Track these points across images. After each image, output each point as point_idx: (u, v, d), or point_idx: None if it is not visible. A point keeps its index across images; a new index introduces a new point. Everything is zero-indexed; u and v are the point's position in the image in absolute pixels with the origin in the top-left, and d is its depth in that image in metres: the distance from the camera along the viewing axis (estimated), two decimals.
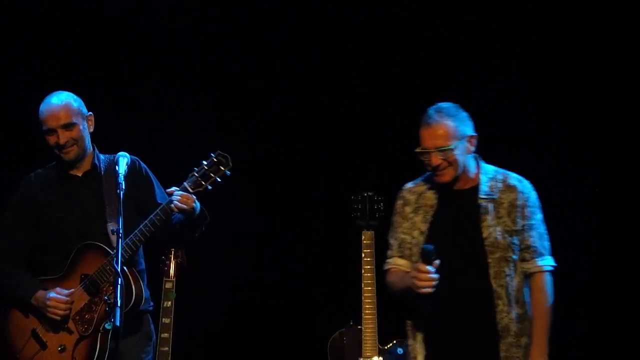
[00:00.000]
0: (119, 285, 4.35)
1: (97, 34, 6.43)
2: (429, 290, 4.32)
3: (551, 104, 6.16)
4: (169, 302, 5.92)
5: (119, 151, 4.91)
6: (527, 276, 4.55)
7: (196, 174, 4.86)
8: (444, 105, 4.54)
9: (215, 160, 4.85)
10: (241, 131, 6.51)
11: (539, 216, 4.59)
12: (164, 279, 5.81)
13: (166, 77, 6.50)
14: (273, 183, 6.53)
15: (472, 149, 4.55)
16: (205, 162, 4.87)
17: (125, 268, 4.80)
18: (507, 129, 6.11)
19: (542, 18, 6.14)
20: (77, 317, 4.84)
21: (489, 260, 4.49)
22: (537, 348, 4.50)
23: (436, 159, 4.47)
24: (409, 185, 4.71)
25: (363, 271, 5.21)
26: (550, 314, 4.54)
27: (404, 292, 4.51)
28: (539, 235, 4.57)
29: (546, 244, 4.59)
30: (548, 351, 4.52)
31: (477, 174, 4.59)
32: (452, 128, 4.47)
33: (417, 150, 4.52)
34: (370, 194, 5.33)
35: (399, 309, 4.71)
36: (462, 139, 4.49)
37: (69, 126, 4.91)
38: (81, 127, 4.94)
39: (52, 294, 4.85)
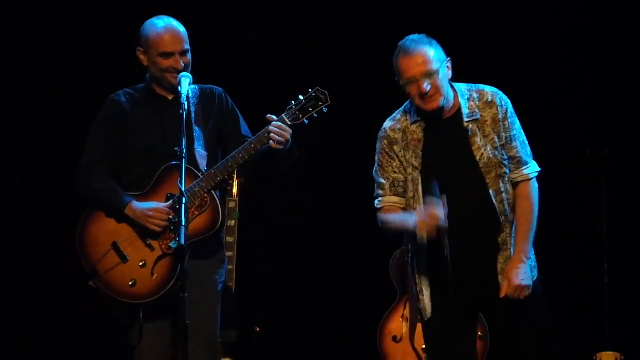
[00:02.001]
0: (183, 205, 4.49)
1: None
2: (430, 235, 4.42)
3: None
4: (233, 222, 6.06)
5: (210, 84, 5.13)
6: (514, 185, 4.70)
7: (294, 107, 4.95)
8: (415, 36, 4.64)
9: (314, 95, 4.95)
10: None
11: (518, 124, 4.74)
12: (227, 198, 5.95)
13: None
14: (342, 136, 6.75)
15: (450, 73, 4.67)
16: (303, 97, 4.96)
17: (213, 193, 4.91)
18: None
19: None
20: (162, 235, 4.90)
21: (487, 180, 4.63)
22: (519, 253, 4.63)
23: (424, 86, 4.54)
24: (389, 124, 4.79)
25: None
26: (535, 220, 4.69)
27: (401, 232, 4.69)
28: (521, 143, 4.72)
29: (528, 150, 4.75)
30: (529, 257, 4.65)
31: (456, 97, 4.70)
32: (432, 53, 4.59)
33: (402, 82, 4.59)
34: None
35: None
36: (442, 63, 4.61)
37: (186, 52, 4.98)
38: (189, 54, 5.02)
39: (154, 205, 4.89)
